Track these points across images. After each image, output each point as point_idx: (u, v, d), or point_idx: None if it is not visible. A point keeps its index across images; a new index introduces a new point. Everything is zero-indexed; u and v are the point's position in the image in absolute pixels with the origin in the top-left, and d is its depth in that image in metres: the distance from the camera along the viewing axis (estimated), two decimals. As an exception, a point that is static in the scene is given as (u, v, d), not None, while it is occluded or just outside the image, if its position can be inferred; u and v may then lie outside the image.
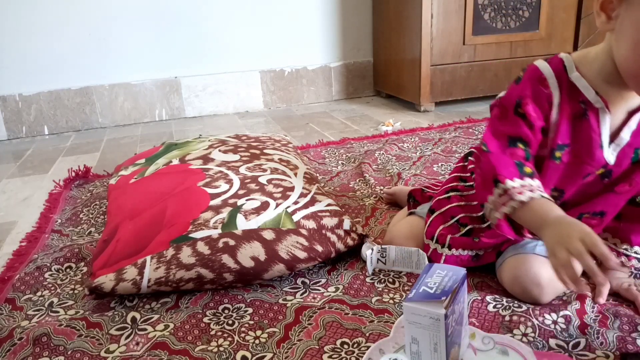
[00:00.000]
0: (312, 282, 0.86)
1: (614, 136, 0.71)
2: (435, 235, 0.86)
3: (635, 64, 0.61)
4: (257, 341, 0.72)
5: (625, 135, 0.71)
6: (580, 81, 0.70)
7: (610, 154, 0.71)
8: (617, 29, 0.63)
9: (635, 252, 0.77)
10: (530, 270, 0.75)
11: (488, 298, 0.77)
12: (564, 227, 0.62)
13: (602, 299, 0.74)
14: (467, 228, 0.84)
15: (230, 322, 0.77)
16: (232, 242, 0.84)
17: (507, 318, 0.72)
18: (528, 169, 0.70)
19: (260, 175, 1.07)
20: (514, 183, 0.68)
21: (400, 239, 0.91)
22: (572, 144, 0.72)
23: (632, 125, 0.70)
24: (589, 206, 0.77)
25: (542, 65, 0.71)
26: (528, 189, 0.67)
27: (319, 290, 0.84)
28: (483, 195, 0.72)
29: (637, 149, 0.72)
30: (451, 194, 0.90)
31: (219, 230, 0.87)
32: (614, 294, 0.77)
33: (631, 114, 0.70)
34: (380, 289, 0.83)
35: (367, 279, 0.86)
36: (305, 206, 0.95)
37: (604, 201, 0.75)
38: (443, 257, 0.84)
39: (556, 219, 0.64)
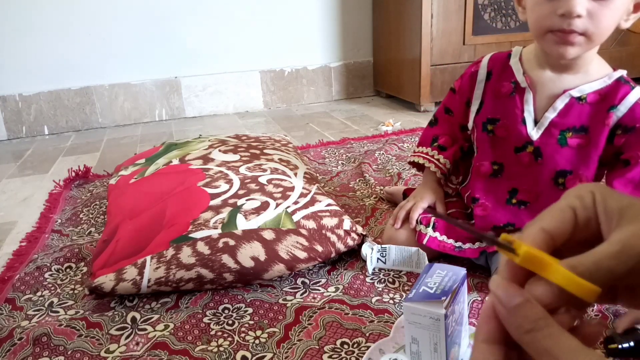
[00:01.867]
0: (312, 282, 0.86)
1: (540, 116, 0.80)
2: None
3: (534, 30, 0.75)
4: (257, 341, 0.72)
5: (549, 115, 0.78)
6: (516, 65, 0.83)
7: (534, 131, 0.80)
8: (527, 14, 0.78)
9: None
10: None
11: (488, 299, 0.77)
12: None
13: None
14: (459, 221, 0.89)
15: (230, 322, 0.77)
16: (232, 242, 0.84)
17: (507, 318, 0.72)
18: (438, 144, 0.95)
19: (260, 175, 1.07)
20: (424, 149, 0.97)
21: (397, 239, 0.92)
22: (502, 119, 0.83)
23: (557, 106, 0.78)
24: (543, 202, 0.80)
25: (490, 54, 0.89)
26: (426, 155, 0.95)
27: (319, 290, 0.84)
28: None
29: (563, 131, 0.78)
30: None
31: (219, 230, 0.87)
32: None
33: (556, 97, 0.78)
34: (380, 289, 0.83)
35: (367, 279, 0.86)
36: (305, 206, 0.95)
37: (556, 198, 0.78)
38: (426, 238, 0.86)
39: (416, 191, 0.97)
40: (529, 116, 0.80)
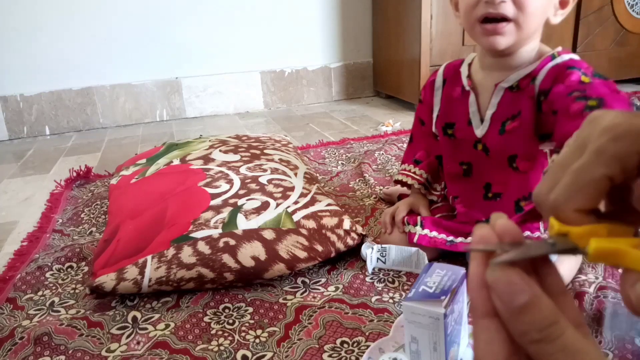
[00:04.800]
0: (312, 282, 0.87)
1: (484, 114, 0.82)
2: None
3: (465, 23, 0.78)
4: (257, 340, 0.72)
5: (490, 111, 0.81)
6: (464, 70, 0.85)
7: (479, 130, 0.83)
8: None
9: None
10: None
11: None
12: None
13: None
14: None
15: (230, 321, 0.77)
16: (232, 242, 0.85)
17: (506, 317, 0.72)
18: (415, 158, 0.98)
19: (260, 175, 1.07)
20: (404, 166, 1.00)
21: (392, 242, 0.92)
22: (457, 122, 0.86)
23: (493, 102, 0.80)
24: (512, 189, 0.83)
25: (446, 62, 0.91)
26: (405, 172, 0.99)
27: (319, 289, 0.84)
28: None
29: (503, 122, 0.80)
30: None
31: (220, 230, 0.87)
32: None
33: (492, 93, 0.80)
34: (380, 289, 0.83)
35: (367, 279, 0.86)
36: (306, 206, 0.95)
37: (521, 182, 0.82)
38: (416, 237, 0.87)
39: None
40: (474, 117, 0.83)
